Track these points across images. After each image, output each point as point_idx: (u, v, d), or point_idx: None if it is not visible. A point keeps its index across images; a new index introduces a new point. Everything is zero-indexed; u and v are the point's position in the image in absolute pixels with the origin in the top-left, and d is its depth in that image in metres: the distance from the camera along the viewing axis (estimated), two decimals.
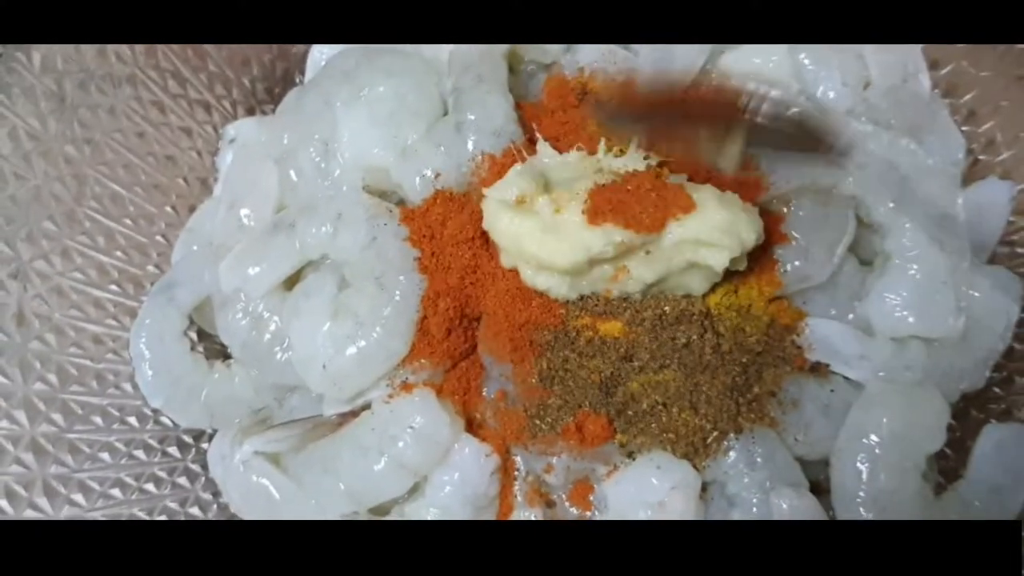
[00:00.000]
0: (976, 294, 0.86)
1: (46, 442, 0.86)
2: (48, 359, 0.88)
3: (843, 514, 0.83)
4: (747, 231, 0.79)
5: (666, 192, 0.78)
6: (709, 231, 0.77)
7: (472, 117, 0.85)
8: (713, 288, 0.85)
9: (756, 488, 0.82)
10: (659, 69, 0.91)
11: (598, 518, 0.84)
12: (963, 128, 0.95)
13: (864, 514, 0.81)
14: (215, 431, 0.96)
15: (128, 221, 0.97)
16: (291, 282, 0.91)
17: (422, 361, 0.85)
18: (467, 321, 0.86)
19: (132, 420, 0.94)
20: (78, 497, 0.86)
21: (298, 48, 1.10)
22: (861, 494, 0.81)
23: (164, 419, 0.96)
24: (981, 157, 0.96)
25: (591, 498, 0.85)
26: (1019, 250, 0.93)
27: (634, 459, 0.83)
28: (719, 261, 0.79)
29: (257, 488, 0.87)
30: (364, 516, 0.85)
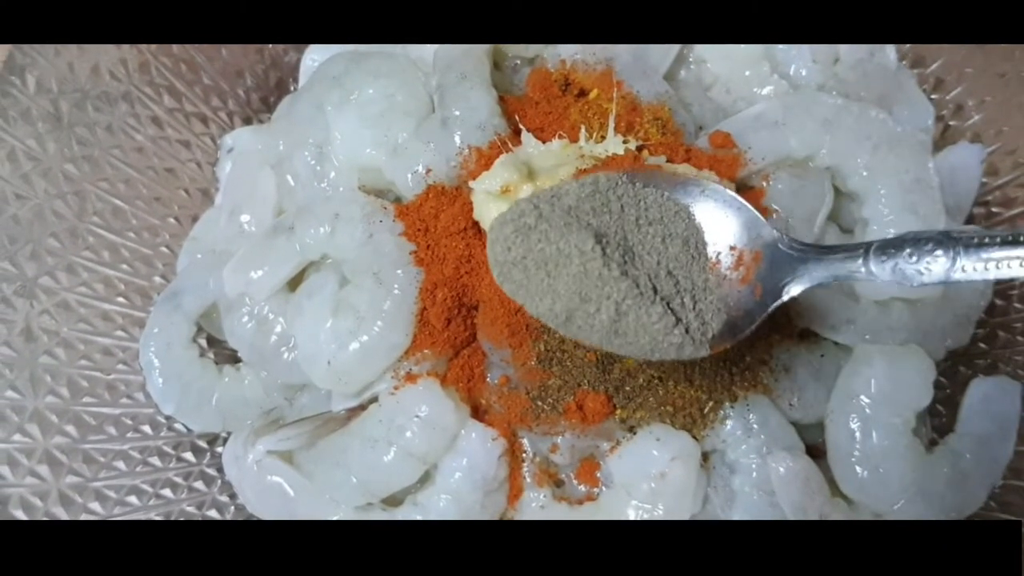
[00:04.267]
0: None
1: (60, 453, 0.87)
2: (58, 373, 0.89)
3: (839, 473, 0.85)
4: None
5: None
6: None
7: (457, 113, 0.87)
8: None
9: (754, 453, 0.84)
10: (637, 57, 0.94)
11: (606, 493, 0.86)
12: (932, 96, 0.98)
13: (859, 472, 0.83)
14: (228, 434, 0.98)
15: (131, 234, 0.98)
16: (294, 283, 0.92)
17: (424, 352, 0.86)
18: (465, 310, 0.87)
19: (146, 428, 0.95)
20: (95, 505, 0.87)
21: (290, 57, 1.12)
22: (855, 453, 0.83)
23: (178, 425, 0.97)
24: (951, 123, 0.99)
25: (598, 475, 0.87)
26: (995, 209, 0.96)
27: (635, 433, 0.85)
28: None
29: (271, 486, 0.88)
30: (378, 507, 0.87)
